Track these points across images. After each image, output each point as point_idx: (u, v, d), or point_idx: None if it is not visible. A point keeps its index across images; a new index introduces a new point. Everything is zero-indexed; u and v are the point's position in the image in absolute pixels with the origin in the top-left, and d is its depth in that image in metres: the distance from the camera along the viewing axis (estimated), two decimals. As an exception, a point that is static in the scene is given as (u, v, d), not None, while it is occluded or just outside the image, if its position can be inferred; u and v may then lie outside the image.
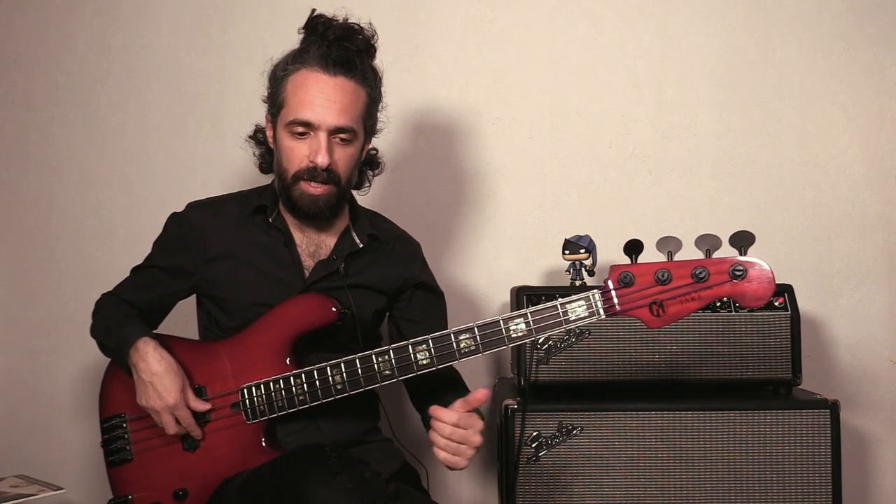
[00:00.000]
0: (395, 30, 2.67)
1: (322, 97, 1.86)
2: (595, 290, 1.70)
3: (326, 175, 1.89)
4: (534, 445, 2.17)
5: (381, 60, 2.01)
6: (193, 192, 2.24)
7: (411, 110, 2.68)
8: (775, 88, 2.68)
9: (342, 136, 1.89)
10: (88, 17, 2.71)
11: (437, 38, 2.70)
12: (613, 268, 1.69)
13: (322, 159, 1.87)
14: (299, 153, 1.89)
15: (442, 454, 1.77)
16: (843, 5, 2.68)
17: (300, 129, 1.88)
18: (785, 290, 2.28)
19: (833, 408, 2.16)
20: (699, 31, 2.69)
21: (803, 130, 2.68)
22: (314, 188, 1.89)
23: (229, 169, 2.66)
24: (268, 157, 2.05)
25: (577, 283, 2.37)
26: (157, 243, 2.06)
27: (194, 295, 2.07)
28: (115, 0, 2.71)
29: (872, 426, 2.66)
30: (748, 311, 2.24)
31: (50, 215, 2.71)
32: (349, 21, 1.94)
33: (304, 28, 1.94)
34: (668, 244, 1.70)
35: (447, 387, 2.04)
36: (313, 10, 1.94)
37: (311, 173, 1.88)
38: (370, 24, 1.97)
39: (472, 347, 1.74)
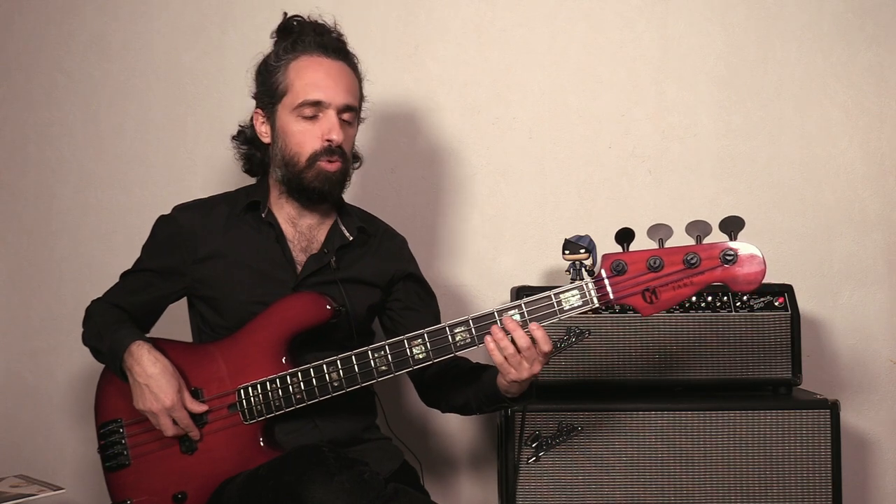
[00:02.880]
0: (395, 30, 2.66)
1: (329, 78, 1.93)
2: (588, 280, 1.71)
3: (340, 152, 1.94)
4: (534, 445, 2.17)
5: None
6: (193, 192, 2.24)
7: (411, 110, 2.68)
8: (775, 88, 2.68)
9: (347, 115, 1.95)
10: (88, 17, 2.71)
11: (437, 38, 2.70)
12: (606, 256, 1.70)
13: (337, 136, 1.92)
14: (311, 135, 1.93)
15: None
16: (843, 5, 2.68)
17: (309, 112, 1.92)
18: (785, 290, 2.28)
19: (833, 408, 2.16)
20: (699, 31, 2.69)
21: (803, 130, 2.68)
22: (331, 165, 1.93)
23: (229, 169, 2.65)
24: (257, 156, 2.05)
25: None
26: (146, 247, 2.06)
27: (185, 297, 2.06)
28: (115, 0, 2.71)
29: (872, 426, 2.66)
30: (748, 311, 2.24)
31: (50, 215, 2.71)
32: (319, 20, 2.01)
33: (277, 31, 2.00)
34: (659, 231, 1.71)
35: (479, 371, 1.97)
36: (285, 14, 2.01)
37: (329, 151, 1.92)
38: (335, 22, 2.04)
39: (468, 340, 1.75)
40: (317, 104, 1.92)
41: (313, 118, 1.92)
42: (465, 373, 1.99)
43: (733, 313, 2.25)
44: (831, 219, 2.67)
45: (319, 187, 1.94)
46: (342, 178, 1.97)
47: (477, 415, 2.18)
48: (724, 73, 2.68)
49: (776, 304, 2.26)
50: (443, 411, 2.10)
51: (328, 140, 1.91)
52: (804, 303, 2.51)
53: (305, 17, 2.00)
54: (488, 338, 1.73)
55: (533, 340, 1.71)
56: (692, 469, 2.16)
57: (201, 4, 2.71)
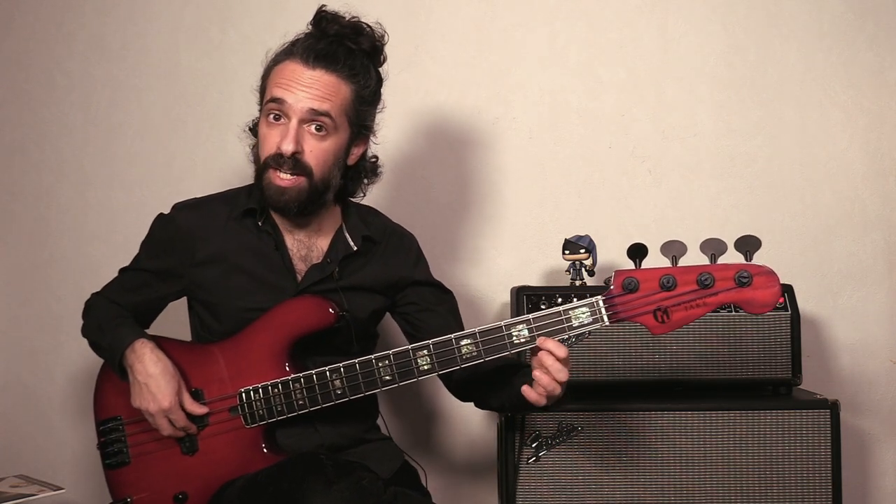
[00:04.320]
0: (395, 30, 2.63)
1: (296, 83, 1.82)
2: (599, 297, 1.67)
3: (293, 164, 1.83)
4: (534, 445, 2.17)
5: (386, 64, 1.99)
6: (193, 191, 2.23)
7: (411, 110, 2.68)
8: (775, 88, 2.68)
9: (316, 124, 1.83)
10: (88, 17, 2.71)
11: (437, 38, 2.70)
12: (618, 273, 1.66)
13: (287, 145, 1.81)
14: (272, 139, 1.84)
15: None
16: (843, 5, 2.67)
17: (275, 111, 1.84)
18: (785, 290, 2.28)
19: (833, 408, 2.16)
20: (699, 31, 2.69)
21: (803, 130, 2.68)
22: (281, 179, 1.84)
23: (229, 169, 2.65)
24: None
25: (577, 283, 2.37)
26: (144, 245, 2.03)
27: (185, 297, 2.04)
28: (114, 0, 2.71)
29: (872, 427, 2.66)
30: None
31: (50, 215, 2.71)
32: (357, 20, 1.90)
33: (311, 23, 1.90)
34: (673, 248, 1.68)
35: (510, 372, 1.92)
36: (322, 6, 1.90)
37: (277, 160, 1.83)
38: (379, 24, 1.95)
39: (474, 353, 1.73)
40: (279, 102, 1.82)
41: (278, 120, 1.84)
42: (495, 372, 1.93)
43: (733, 313, 2.25)
44: (831, 219, 2.67)
45: (270, 199, 1.86)
46: (299, 195, 1.84)
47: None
48: (724, 73, 2.68)
49: (776, 304, 2.26)
50: (477, 407, 2.07)
51: (279, 148, 1.82)
52: (804, 303, 2.51)
53: (338, 13, 1.89)
54: (538, 372, 1.69)
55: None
56: (692, 469, 2.16)
57: (201, 4, 2.71)
